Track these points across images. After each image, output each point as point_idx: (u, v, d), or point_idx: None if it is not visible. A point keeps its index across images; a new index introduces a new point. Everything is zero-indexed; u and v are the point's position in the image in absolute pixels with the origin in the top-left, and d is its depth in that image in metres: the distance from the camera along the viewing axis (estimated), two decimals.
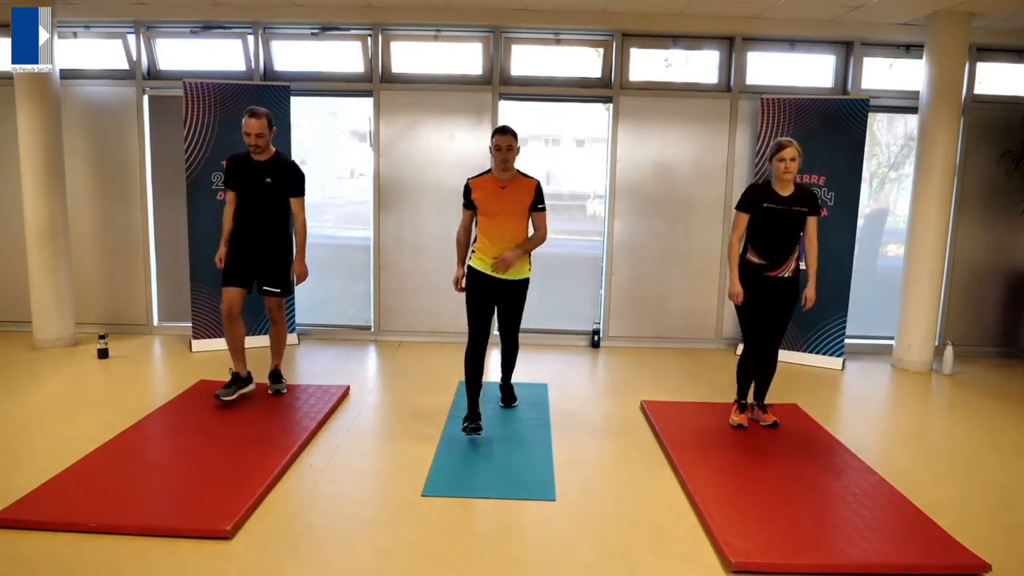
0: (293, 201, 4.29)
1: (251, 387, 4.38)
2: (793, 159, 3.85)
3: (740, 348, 6.01)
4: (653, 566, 2.79)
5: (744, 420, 4.20)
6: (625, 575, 2.73)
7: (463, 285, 4.08)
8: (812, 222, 3.99)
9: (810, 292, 4.06)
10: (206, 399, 4.35)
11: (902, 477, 3.59)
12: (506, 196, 3.94)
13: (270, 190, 4.20)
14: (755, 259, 4.00)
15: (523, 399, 4.59)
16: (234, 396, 4.22)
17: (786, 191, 3.92)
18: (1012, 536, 3.10)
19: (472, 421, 3.94)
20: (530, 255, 4.09)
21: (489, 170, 4.03)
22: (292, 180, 4.27)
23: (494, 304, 4.07)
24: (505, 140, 3.89)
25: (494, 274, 3.93)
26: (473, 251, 4.06)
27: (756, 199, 3.95)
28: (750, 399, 4.30)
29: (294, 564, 2.74)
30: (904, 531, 3.05)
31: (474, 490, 3.38)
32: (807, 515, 3.17)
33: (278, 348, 4.55)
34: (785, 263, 3.96)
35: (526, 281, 4.09)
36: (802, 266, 4.05)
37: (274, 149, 4.26)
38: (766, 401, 4.27)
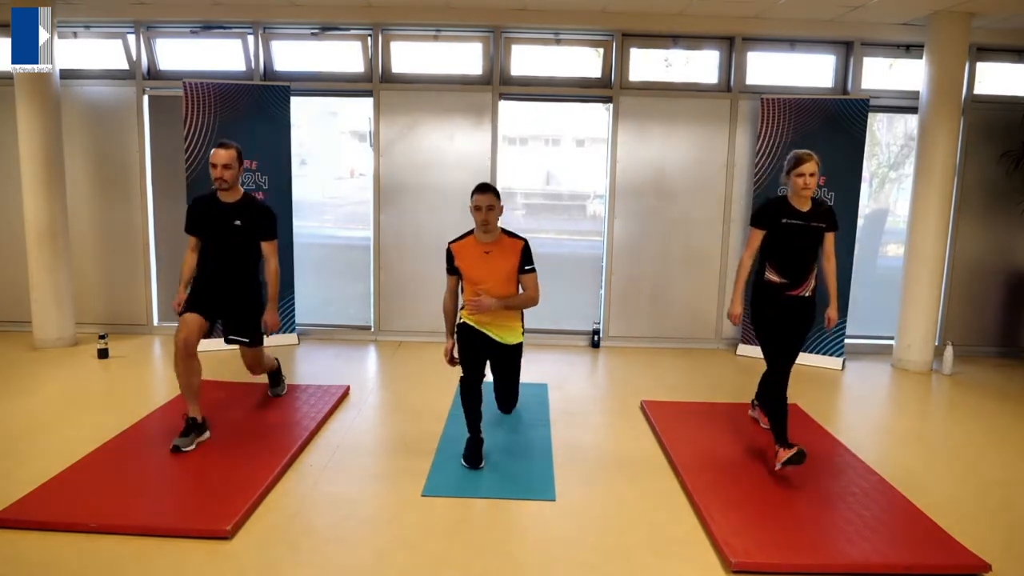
0: (264, 245, 3.91)
1: (207, 435, 3.79)
2: (813, 174, 3.59)
3: (740, 348, 6.03)
4: (653, 566, 2.79)
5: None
6: (625, 575, 2.73)
7: (455, 355, 3.84)
8: (830, 238, 3.76)
9: (832, 312, 3.81)
10: (206, 399, 4.34)
11: (902, 477, 3.59)
12: (491, 261, 3.71)
13: (240, 232, 3.82)
14: (775, 278, 3.74)
15: (523, 399, 4.58)
16: (193, 445, 3.66)
17: (804, 207, 3.67)
18: (1012, 536, 3.11)
19: (472, 451, 3.62)
20: (522, 318, 3.96)
21: (471, 231, 3.80)
22: (263, 223, 3.89)
23: (486, 357, 3.82)
24: (485, 199, 3.63)
25: (483, 329, 3.77)
26: (462, 307, 3.86)
27: (774, 214, 3.69)
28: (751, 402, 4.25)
29: (294, 564, 2.74)
30: (904, 531, 3.05)
31: (474, 490, 3.38)
32: (807, 515, 3.17)
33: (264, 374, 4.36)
34: (805, 282, 3.72)
35: (519, 347, 3.93)
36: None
37: (242, 190, 3.90)
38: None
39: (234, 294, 3.90)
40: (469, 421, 3.68)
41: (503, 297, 3.72)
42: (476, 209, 3.66)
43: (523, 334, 3.97)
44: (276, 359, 4.53)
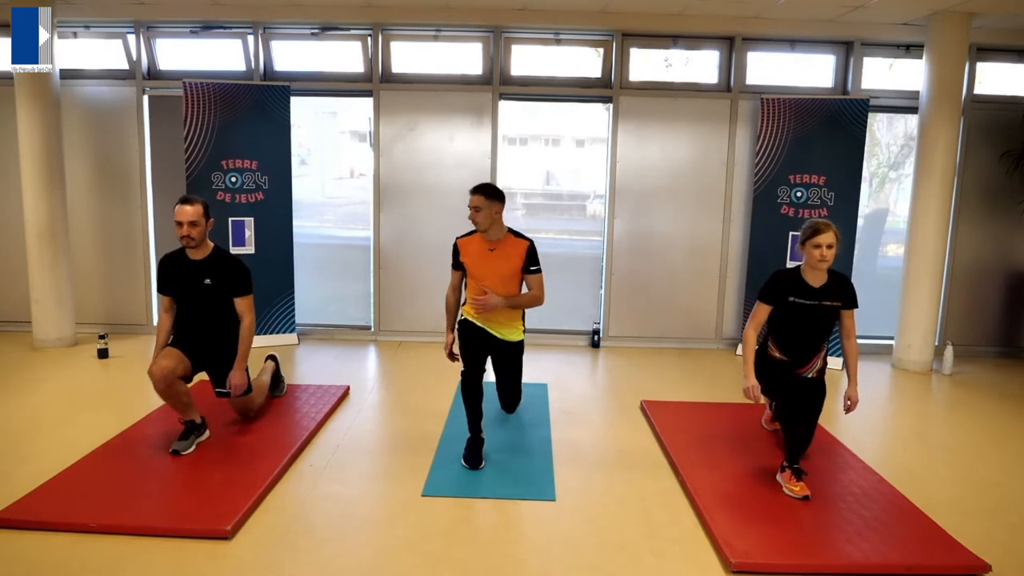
0: (238, 301, 3.73)
1: (207, 435, 3.80)
2: (831, 246, 3.30)
3: (740, 348, 6.03)
4: (653, 566, 2.79)
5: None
6: (625, 575, 2.73)
7: (454, 350, 3.87)
8: (849, 316, 3.44)
9: (852, 392, 3.43)
10: (206, 399, 4.34)
11: (902, 477, 3.59)
12: (495, 259, 3.72)
13: (210, 292, 3.68)
14: (777, 354, 3.54)
15: (523, 399, 4.57)
16: (193, 447, 3.65)
17: (818, 282, 3.39)
18: (1012, 536, 3.10)
19: (472, 451, 3.64)
20: (523, 317, 3.95)
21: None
22: (234, 279, 3.71)
23: (487, 353, 3.82)
24: (474, 200, 3.64)
25: (484, 326, 3.79)
26: (464, 302, 3.90)
27: (781, 291, 3.42)
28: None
29: (294, 564, 2.74)
30: (904, 531, 3.05)
31: (474, 490, 3.38)
32: (807, 515, 3.17)
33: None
34: (811, 362, 3.48)
35: (520, 344, 3.93)
36: (830, 365, 3.51)
37: (212, 244, 3.74)
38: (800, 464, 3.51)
39: (215, 349, 3.76)
40: (470, 419, 3.69)
41: (507, 296, 3.73)
42: (469, 208, 3.70)
43: (524, 332, 3.97)
44: (275, 358, 4.53)
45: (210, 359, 3.77)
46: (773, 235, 5.86)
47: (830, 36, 5.91)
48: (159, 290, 3.80)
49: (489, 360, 3.88)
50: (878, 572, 2.81)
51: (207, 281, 3.67)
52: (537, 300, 3.81)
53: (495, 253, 3.74)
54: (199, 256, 3.69)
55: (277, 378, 4.50)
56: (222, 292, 3.70)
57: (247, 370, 3.81)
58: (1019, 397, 5.14)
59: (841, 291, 3.42)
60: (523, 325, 3.98)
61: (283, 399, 4.47)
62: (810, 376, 3.49)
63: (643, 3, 5.56)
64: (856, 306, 3.47)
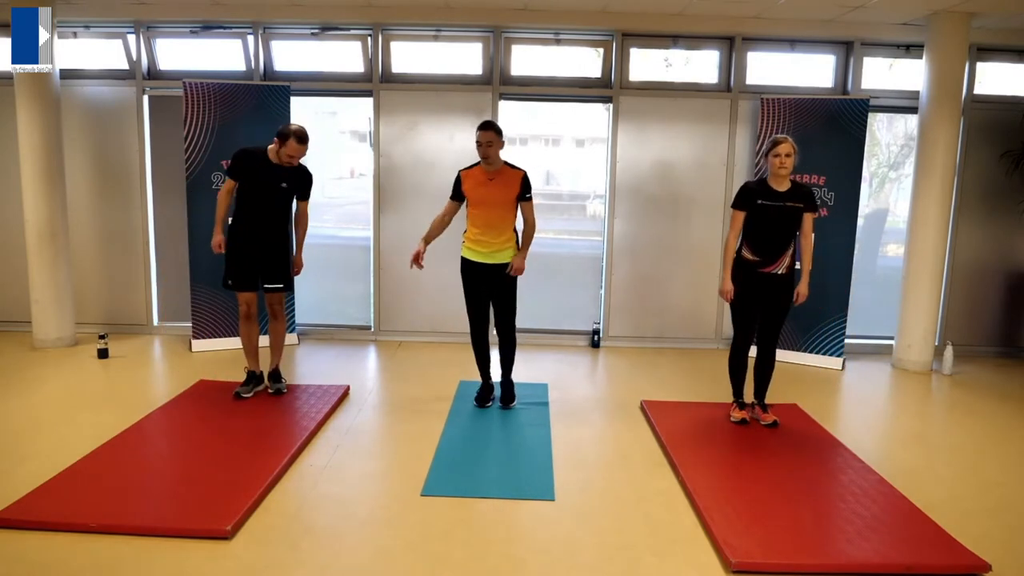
0: (302, 204, 4.45)
1: (264, 385, 4.55)
2: (788, 155, 3.89)
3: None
4: (653, 566, 2.79)
5: (745, 415, 4.23)
6: (625, 575, 2.73)
7: (421, 262, 4.21)
8: (808, 218, 4.02)
9: (803, 288, 4.07)
10: (206, 399, 4.35)
11: (902, 477, 3.59)
12: (493, 187, 4.16)
13: (284, 194, 4.31)
14: (749, 255, 4.04)
15: (523, 399, 4.58)
16: (251, 393, 4.42)
17: (782, 187, 3.97)
18: (1012, 536, 3.11)
19: (482, 394, 4.46)
20: (517, 238, 4.28)
21: (479, 162, 4.22)
22: (306, 185, 4.41)
23: (489, 291, 4.29)
24: (485, 136, 4.08)
25: (484, 255, 4.21)
26: (463, 241, 4.30)
27: (751, 196, 3.99)
28: (749, 398, 4.31)
29: (294, 564, 2.74)
30: (904, 531, 3.05)
31: (474, 490, 3.38)
32: (807, 515, 3.17)
33: (278, 345, 4.59)
34: (779, 259, 3.99)
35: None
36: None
37: None
38: (766, 400, 4.27)
39: (270, 247, 4.35)
40: (480, 366, 4.46)
41: (523, 252, 4.22)
42: (478, 144, 4.09)
43: (519, 245, 4.29)
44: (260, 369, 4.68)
45: (264, 262, 4.35)
46: None
47: (830, 36, 5.91)
48: (231, 175, 4.26)
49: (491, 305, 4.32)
50: (878, 572, 2.81)
51: (284, 185, 4.27)
52: (534, 229, 4.28)
53: (494, 182, 4.16)
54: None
55: (278, 377, 4.61)
56: (291, 194, 4.35)
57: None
58: (1019, 397, 5.14)
59: (802, 195, 4.00)
60: (517, 245, 4.28)
61: (283, 399, 4.46)
62: (779, 272, 4.00)
63: (643, 3, 5.56)
64: (815, 210, 4.06)
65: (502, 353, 4.42)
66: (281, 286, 4.45)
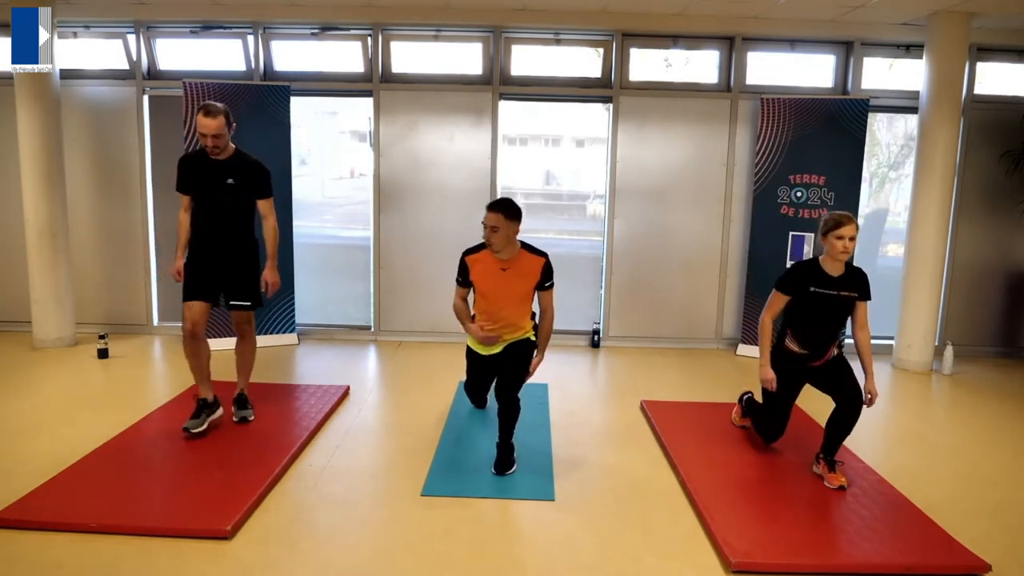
0: (261, 203, 3.82)
1: (220, 413, 3.86)
2: (852, 239, 3.35)
3: (740, 348, 6.03)
4: (653, 566, 2.79)
5: (747, 421, 4.07)
6: (625, 575, 2.73)
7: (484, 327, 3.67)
8: (863, 308, 3.51)
9: (871, 385, 3.47)
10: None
11: (902, 477, 3.59)
12: (508, 278, 3.53)
13: (233, 192, 3.72)
14: (794, 347, 3.55)
15: (523, 399, 4.55)
16: (204, 426, 3.71)
17: (836, 272, 3.43)
18: (1012, 536, 3.11)
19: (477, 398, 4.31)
20: (534, 323, 3.74)
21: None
22: (258, 180, 3.78)
23: (495, 373, 3.75)
24: (492, 218, 3.40)
25: (489, 352, 3.73)
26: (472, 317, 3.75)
27: (802, 281, 3.45)
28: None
29: (294, 564, 2.73)
30: (904, 531, 3.05)
31: (474, 490, 3.38)
32: (807, 515, 3.18)
33: (245, 367, 4.08)
34: (828, 353, 3.54)
35: (527, 341, 3.71)
36: (842, 349, 3.63)
37: (234, 147, 3.75)
38: (837, 457, 3.58)
39: (232, 257, 3.80)
40: (474, 404, 4.32)
41: (542, 349, 3.71)
42: (484, 226, 3.47)
43: (532, 331, 3.77)
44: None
45: (226, 273, 3.79)
46: (773, 235, 5.86)
47: (830, 36, 5.91)
48: (179, 189, 3.81)
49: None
50: (878, 572, 2.81)
51: (230, 181, 3.69)
52: (552, 323, 3.72)
53: (508, 272, 3.53)
54: (223, 156, 3.70)
55: (244, 403, 4.09)
56: (244, 192, 3.75)
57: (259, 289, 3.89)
58: (1019, 397, 5.14)
59: (857, 282, 3.48)
60: (533, 323, 3.78)
61: (283, 399, 4.45)
62: (829, 361, 3.55)
63: (643, 3, 5.56)
64: (870, 298, 3.53)
65: (501, 416, 3.55)
66: (248, 303, 3.87)
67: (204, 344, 3.76)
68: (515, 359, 3.66)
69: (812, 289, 3.44)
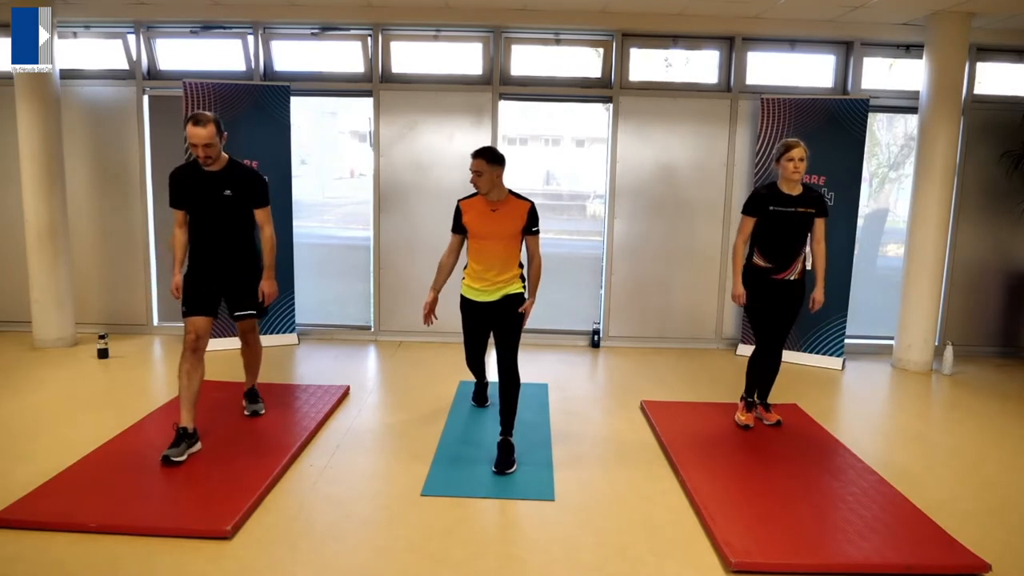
0: (258, 212, 3.75)
1: (198, 446, 3.62)
2: (802, 159, 3.82)
3: (740, 348, 6.04)
4: (653, 566, 2.79)
5: (751, 420, 4.19)
6: (625, 575, 2.73)
7: (434, 315, 3.86)
8: (820, 223, 3.96)
9: (818, 294, 4.05)
10: (206, 399, 4.33)
11: (902, 477, 3.59)
12: (497, 219, 3.74)
13: (230, 203, 3.64)
14: (761, 262, 3.98)
15: (523, 399, 4.55)
16: (184, 456, 3.49)
17: (794, 191, 3.90)
18: (1012, 536, 3.10)
19: (478, 393, 4.48)
20: (522, 272, 3.86)
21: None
22: (255, 189, 3.72)
23: (489, 329, 3.90)
24: (475, 164, 3.70)
25: (486, 292, 3.78)
26: (463, 278, 3.89)
27: (762, 202, 3.92)
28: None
29: (294, 564, 2.74)
30: (904, 531, 3.05)
31: (474, 490, 3.38)
32: (807, 515, 3.17)
33: (253, 368, 4.15)
34: (792, 266, 3.95)
35: (519, 296, 3.78)
36: (808, 267, 4.03)
37: (227, 156, 3.68)
38: (769, 400, 4.28)
39: (232, 268, 3.76)
40: (474, 374, 4.32)
41: (533, 293, 3.83)
42: (471, 171, 3.73)
43: (523, 286, 3.83)
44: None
45: (227, 284, 3.75)
46: None
47: (830, 36, 5.91)
48: (172, 204, 3.72)
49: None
50: (878, 572, 2.81)
51: (227, 192, 3.62)
52: (541, 267, 3.86)
53: (497, 214, 3.76)
54: (216, 168, 3.62)
55: (255, 397, 4.21)
56: (241, 203, 3.67)
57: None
58: (1019, 397, 5.14)
59: (814, 200, 3.93)
60: (523, 283, 3.85)
61: (283, 399, 4.46)
62: (792, 278, 3.97)
63: (643, 3, 5.56)
64: (827, 214, 3.98)
65: (503, 399, 3.69)
66: (252, 312, 3.87)
67: (201, 364, 3.63)
68: (509, 314, 3.77)
69: (772, 208, 3.88)
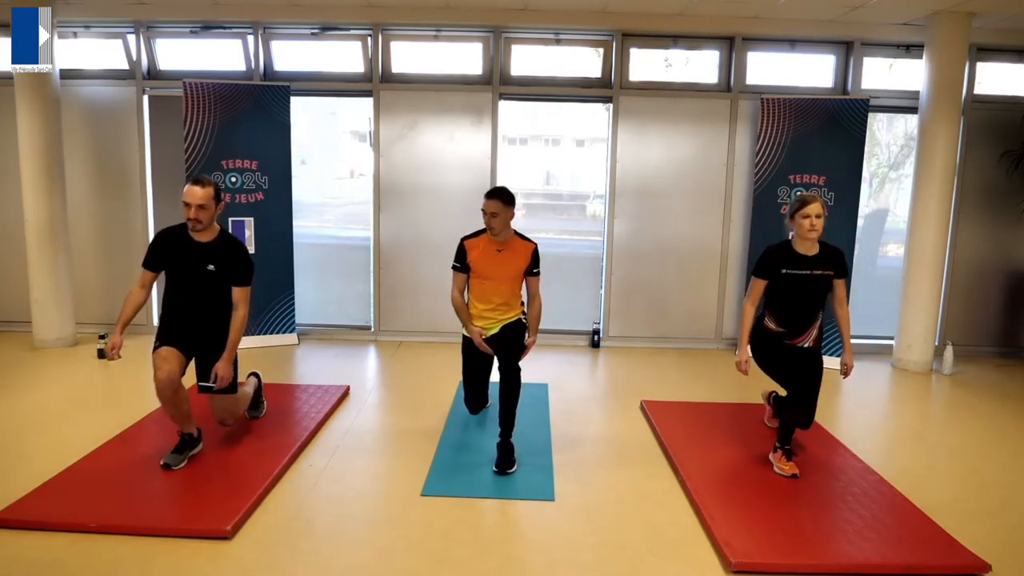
0: (236, 291, 3.49)
1: (200, 448, 3.57)
2: (819, 216, 3.39)
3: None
4: (653, 566, 2.79)
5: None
6: (625, 575, 2.73)
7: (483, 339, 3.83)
8: (840, 285, 3.57)
9: (848, 359, 3.65)
10: (205, 399, 4.34)
11: (902, 477, 3.59)
12: (502, 259, 3.79)
13: (211, 278, 3.44)
14: (772, 327, 3.61)
15: (523, 399, 4.55)
16: (184, 463, 3.44)
17: (810, 251, 3.49)
18: (1012, 536, 3.10)
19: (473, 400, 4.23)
20: (524, 311, 3.93)
21: (484, 230, 3.82)
22: (239, 268, 3.49)
23: (490, 362, 3.94)
24: (491, 205, 3.68)
25: (488, 330, 3.85)
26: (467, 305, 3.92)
27: (774, 264, 3.51)
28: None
29: (294, 564, 2.74)
30: (904, 531, 3.05)
31: (474, 490, 3.38)
32: (807, 515, 3.17)
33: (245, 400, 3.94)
34: (806, 332, 3.57)
35: (517, 321, 3.88)
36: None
37: (219, 227, 3.49)
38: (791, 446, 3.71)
39: (206, 335, 3.51)
40: (473, 409, 4.16)
41: (534, 330, 3.91)
42: (484, 213, 3.74)
43: (522, 313, 3.94)
44: (258, 375, 4.20)
45: (200, 347, 3.53)
46: (773, 235, 5.76)
47: (830, 36, 5.91)
48: (146, 265, 3.47)
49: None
50: (878, 572, 2.81)
51: (211, 267, 3.42)
52: (541, 307, 3.95)
53: (503, 254, 3.80)
54: (205, 239, 3.43)
55: (258, 398, 4.15)
56: (223, 279, 3.47)
57: (236, 367, 3.56)
58: (1019, 397, 5.14)
59: (832, 260, 3.52)
60: (523, 313, 3.95)
61: (283, 399, 4.46)
62: (807, 346, 3.61)
63: (643, 3, 5.56)
64: (847, 275, 3.61)
65: (503, 402, 3.63)
66: (211, 386, 3.51)
67: (182, 389, 3.41)
68: (511, 336, 3.84)
69: (784, 271, 3.50)
